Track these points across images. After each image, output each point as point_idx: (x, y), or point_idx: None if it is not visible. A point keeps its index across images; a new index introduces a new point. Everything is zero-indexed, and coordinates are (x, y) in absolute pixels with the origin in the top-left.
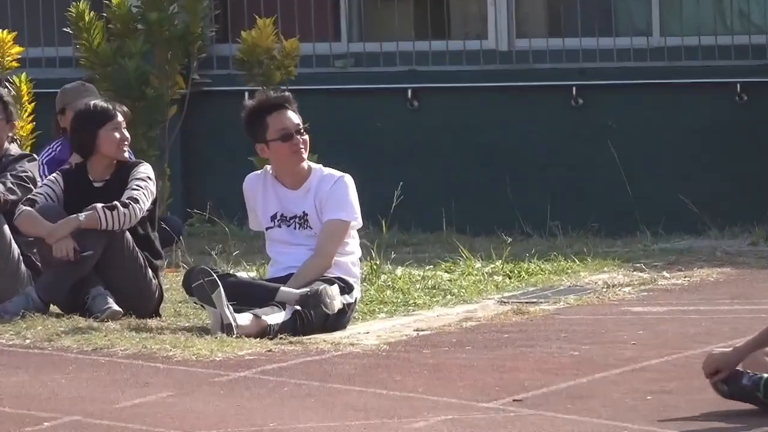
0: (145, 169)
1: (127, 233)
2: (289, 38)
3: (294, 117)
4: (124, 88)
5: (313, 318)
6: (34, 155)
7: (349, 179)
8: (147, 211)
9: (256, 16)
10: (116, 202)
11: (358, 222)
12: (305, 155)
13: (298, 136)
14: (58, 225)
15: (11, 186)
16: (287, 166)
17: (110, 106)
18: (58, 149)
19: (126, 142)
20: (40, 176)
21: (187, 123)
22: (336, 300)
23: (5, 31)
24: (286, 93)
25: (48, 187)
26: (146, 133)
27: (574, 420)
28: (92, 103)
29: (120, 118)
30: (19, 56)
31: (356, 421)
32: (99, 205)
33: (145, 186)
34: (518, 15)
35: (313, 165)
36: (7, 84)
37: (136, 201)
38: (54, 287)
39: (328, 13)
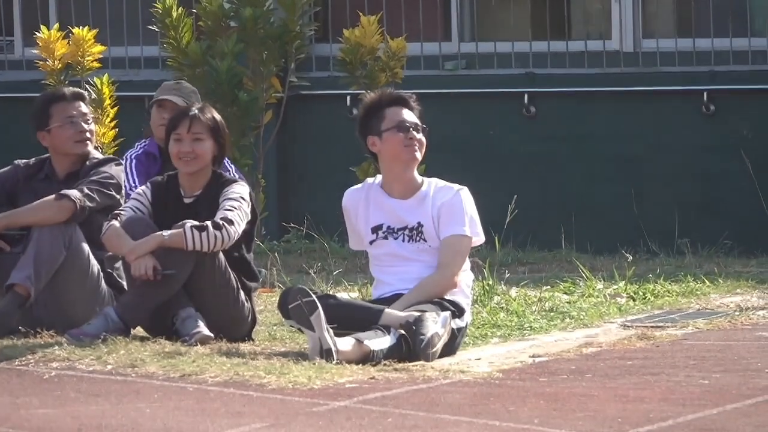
0: (240, 189)
1: (220, 253)
2: (395, 37)
3: (413, 115)
4: (215, 92)
5: (414, 347)
6: (120, 159)
7: (468, 192)
8: (243, 232)
9: (360, 14)
10: (208, 223)
11: (481, 239)
12: (418, 155)
13: (415, 132)
14: (140, 242)
15: (89, 192)
16: (398, 166)
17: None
18: (145, 144)
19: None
20: (128, 174)
21: (284, 129)
22: (435, 343)
23: (86, 29)
24: (412, 94)
25: (136, 200)
26: (239, 140)
27: None
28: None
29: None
30: (101, 56)
31: None
32: (189, 224)
33: (239, 207)
34: (645, 13)
35: (426, 178)
36: (87, 86)
37: (231, 223)
38: (136, 307)
39: (438, 11)
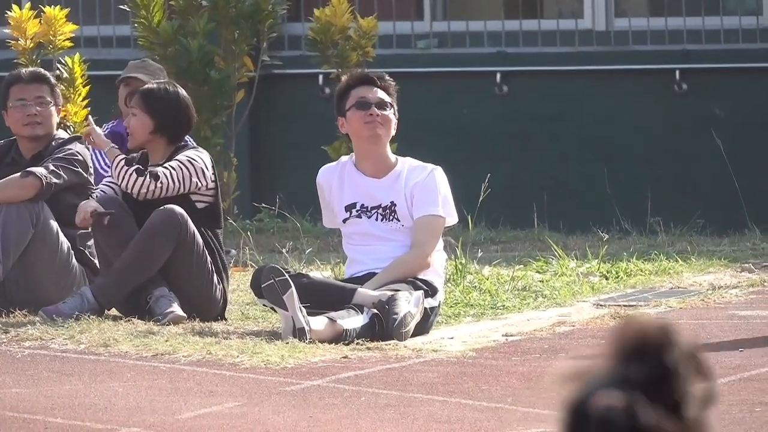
0: (191, 153)
1: (198, 234)
2: (366, 16)
3: (380, 93)
4: (187, 71)
5: (387, 326)
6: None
7: (442, 172)
8: (206, 203)
9: None
10: (138, 167)
11: (454, 219)
12: (380, 132)
13: (377, 109)
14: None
15: (54, 169)
16: (363, 143)
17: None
18: (113, 124)
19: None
20: (96, 155)
21: (256, 109)
22: (407, 322)
23: (57, 8)
24: (383, 73)
25: (109, 179)
26: (211, 119)
27: None
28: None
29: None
30: (73, 35)
31: None
32: (122, 157)
33: (177, 167)
34: None
35: (400, 158)
36: (59, 66)
37: (156, 177)
38: (113, 289)
39: None
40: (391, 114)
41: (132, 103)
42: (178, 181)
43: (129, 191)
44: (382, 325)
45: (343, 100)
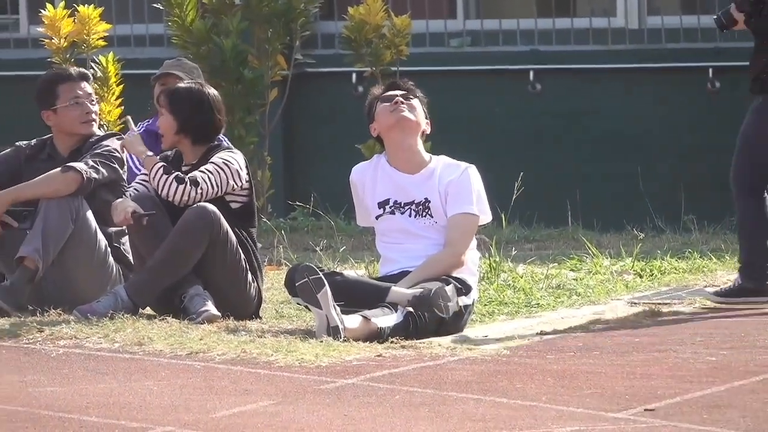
0: (226, 156)
1: (231, 232)
2: (400, 15)
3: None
4: (220, 70)
5: (427, 321)
6: (121, 134)
7: (476, 170)
8: (241, 203)
9: None
10: (177, 173)
11: (488, 217)
12: (408, 115)
13: (402, 98)
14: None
15: (94, 164)
16: (394, 134)
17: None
18: (148, 122)
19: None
20: (130, 154)
21: (289, 107)
22: (452, 302)
23: (91, 7)
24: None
25: (145, 175)
26: (244, 118)
27: None
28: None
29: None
30: (106, 34)
31: None
32: (161, 164)
33: (214, 170)
34: None
35: (434, 156)
36: (92, 64)
37: (196, 183)
38: (146, 288)
39: None
40: (420, 107)
41: (160, 102)
42: (216, 185)
43: (170, 199)
44: (416, 324)
45: (373, 108)
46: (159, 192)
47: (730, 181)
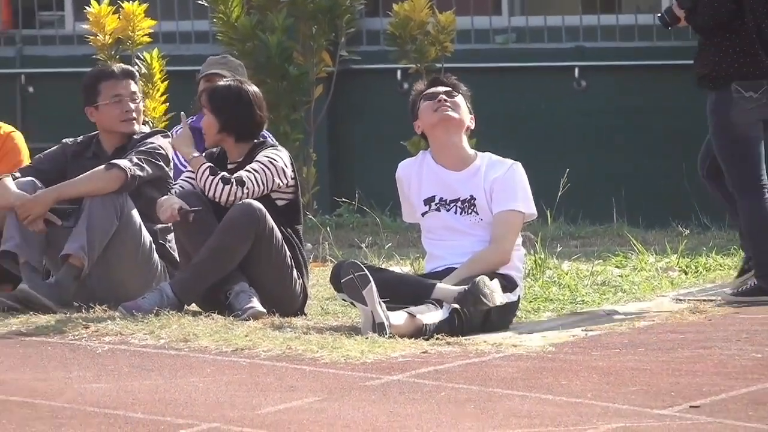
0: (272, 153)
1: (276, 229)
2: (444, 11)
3: (447, 88)
4: (265, 66)
5: (472, 317)
6: (167, 131)
7: (521, 167)
8: (287, 200)
9: None
10: (224, 174)
11: (533, 214)
12: (452, 114)
13: (445, 96)
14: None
15: (138, 162)
16: (438, 132)
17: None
18: (193, 119)
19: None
20: (175, 153)
21: (335, 104)
22: (496, 292)
23: (136, 3)
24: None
25: (190, 172)
26: (289, 115)
27: (756, 428)
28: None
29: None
30: (151, 30)
31: (519, 429)
32: (207, 164)
33: (261, 169)
34: None
35: (479, 152)
36: (137, 61)
37: (242, 183)
38: (192, 285)
39: None
40: (464, 103)
41: (202, 101)
42: (262, 183)
43: (216, 200)
44: (462, 321)
45: (416, 105)
46: (206, 193)
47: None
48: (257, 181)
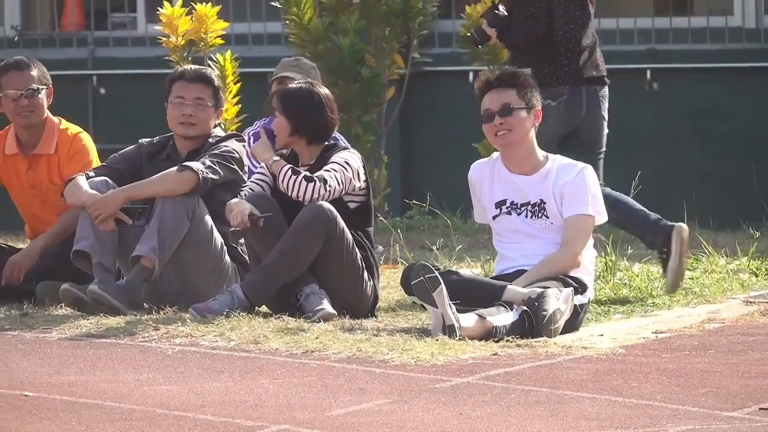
0: (347, 155)
1: (347, 231)
2: None
3: (502, 96)
4: (338, 68)
5: (536, 322)
6: (242, 135)
7: (591, 171)
8: (359, 202)
9: None
10: (305, 172)
11: (603, 217)
12: (510, 139)
13: (500, 117)
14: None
15: (211, 164)
16: (502, 152)
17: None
18: (265, 121)
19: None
20: (248, 152)
21: (406, 106)
22: (559, 323)
23: (208, 5)
24: (510, 69)
25: (259, 174)
26: (361, 117)
27: None
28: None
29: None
30: (224, 32)
31: (588, 431)
32: (288, 165)
33: (339, 170)
34: None
35: (550, 155)
36: (210, 63)
37: (324, 181)
38: (262, 286)
39: None
40: (520, 114)
41: (273, 103)
42: (342, 183)
43: (300, 199)
44: (532, 322)
45: (479, 108)
46: (290, 193)
47: None
48: (338, 180)
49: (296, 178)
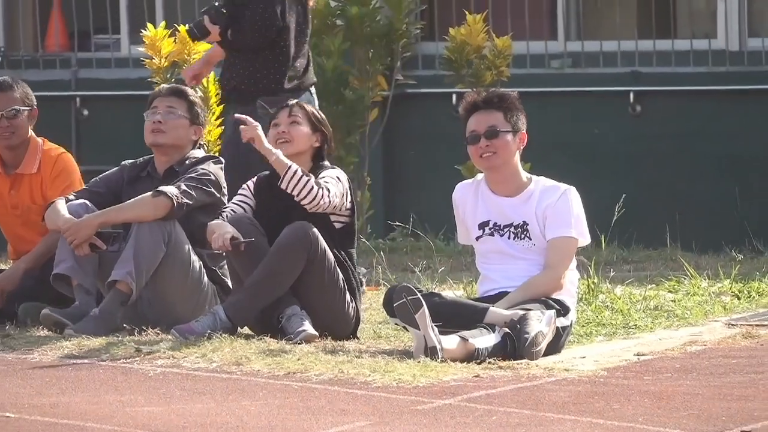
0: (337, 173)
1: (329, 251)
2: (500, 36)
3: (489, 118)
4: (322, 90)
5: (519, 345)
6: (219, 158)
7: (575, 193)
8: (344, 223)
9: (466, 12)
10: (311, 176)
11: (586, 239)
12: (495, 161)
13: (486, 140)
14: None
15: (186, 189)
16: (486, 173)
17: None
18: None
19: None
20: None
21: (389, 128)
22: (541, 345)
23: None
24: (497, 91)
25: (239, 195)
26: (345, 138)
27: None
28: None
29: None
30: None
31: None
32: (296, 166)
33: (335, 184)
34: (751, 12)
35: (534, 177)
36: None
37: (329, 191)
38: (245, 307)
39: (544, 10)
40: (506, 137)
41: (296, 112)
42: (336, 196)
43: (303, 202)
44: (514, 345)
45: (465, 129)
46: (293, 192)
47: None
48: (336, 192)
49: (307, 180)
